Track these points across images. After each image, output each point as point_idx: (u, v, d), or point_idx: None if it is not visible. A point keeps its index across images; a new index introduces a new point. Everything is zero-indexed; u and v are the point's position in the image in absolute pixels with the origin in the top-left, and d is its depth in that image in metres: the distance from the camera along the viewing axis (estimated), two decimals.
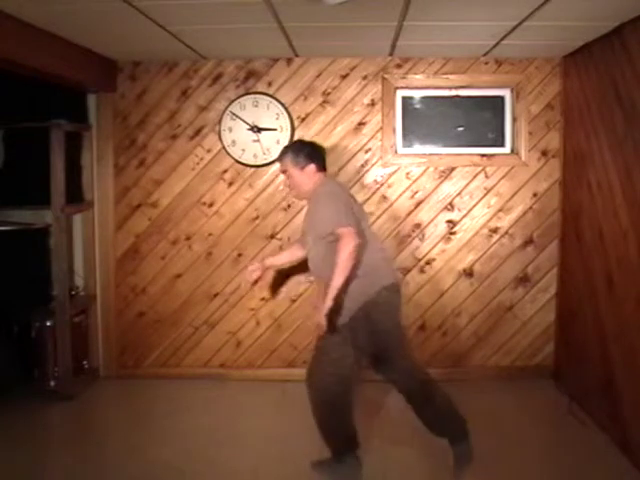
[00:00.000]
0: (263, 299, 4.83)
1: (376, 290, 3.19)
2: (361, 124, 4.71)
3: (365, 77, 4.69)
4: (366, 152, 4.73)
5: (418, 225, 4.76)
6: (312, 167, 3.33)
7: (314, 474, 3.33)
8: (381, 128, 4.70)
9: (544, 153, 4.67)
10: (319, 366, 3.23)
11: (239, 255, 4.81)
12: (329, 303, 3.04)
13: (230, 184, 4.77)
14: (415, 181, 4.74)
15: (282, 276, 4.78)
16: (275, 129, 4.70)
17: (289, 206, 4.76)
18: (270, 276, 4.74)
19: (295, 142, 3.56)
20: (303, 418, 4.08)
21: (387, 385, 3.48)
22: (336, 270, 3.03)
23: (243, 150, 4.72)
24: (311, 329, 4.81)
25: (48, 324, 4.45)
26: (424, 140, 4.79)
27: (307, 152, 3.36)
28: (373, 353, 3.25)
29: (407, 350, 3.46)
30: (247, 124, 4.70)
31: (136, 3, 3.12)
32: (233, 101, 4.70)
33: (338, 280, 3.03)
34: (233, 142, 4.71)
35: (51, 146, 4.31)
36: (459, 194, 4.73)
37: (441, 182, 4.73)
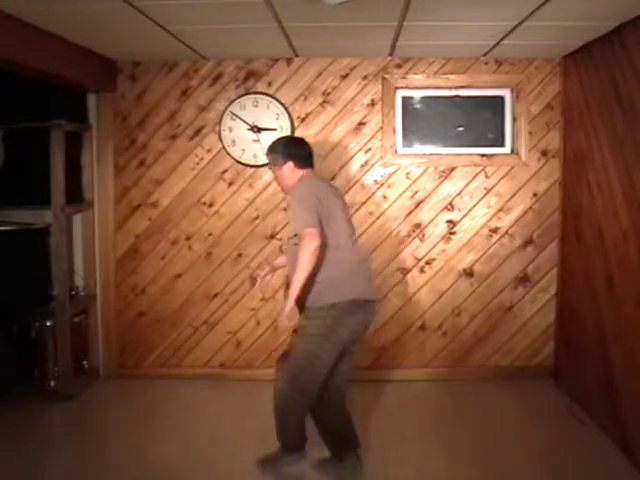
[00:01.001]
0: (263, 299, 4.83)
1: (333, 301, 3.12)
2: (361, 124, 4.71)
3: (365, 77, 4.69)
4: (366, 152, 4.73)
5: (418, 225, 4.76)
6: (290, 164, 3.31)
7: (313, 472, 3.38)
8: (381, 128, 4.70)
9: (544, 153, 4.67)
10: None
11: (239, 255, 4.81)
12: (290, 304, 3.07)
13: (230, 184, 4.77)
14: (415, 181, 4.74)
15: (284, 276, 4.78)
16: (275, 129, 4.70)
17: (289, 206, 4.76)
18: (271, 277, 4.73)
19: (277, 139, 3.54)
20: None
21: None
22: (296, 272, 3.05)
23: (243, 150, 4.72)
24: None
25: (48, 324, 4.45)
26: (424, 140, 4.79)
27: (286, 149, 3.33)
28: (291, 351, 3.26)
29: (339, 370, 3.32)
30: (247, 124, 4.70)
31: (136, 3, 3.12)
32: (233, 101, 4.70)
33: (297, 282, 3.04)
34: (233, 142, 4.71)
35: (51, 146, 4.31)
36: (459, 194, 4.73)
37: (441, 182, 4.73)
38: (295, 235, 3.18)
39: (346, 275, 3.21)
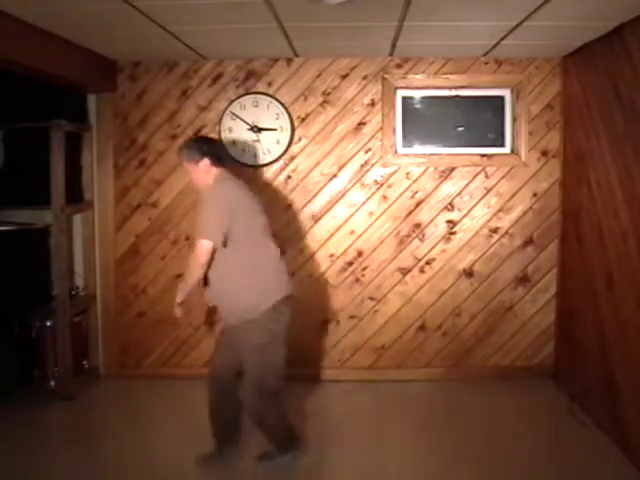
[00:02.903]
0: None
1: (268, 306, 3.24)
2: (361, 124, 4.71)
3: (365, 77, 4.69)
4: (366, 152, 4.73)
5: (418, 225, 4.76)
6: (206, 161, 3.33)
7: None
8: (381, 128, 4.70)
9: (544, 153, 4.67)
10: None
11: None
12: (178, 300, 3.36)
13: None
14: (415, 181, 4.74)
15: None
16: (275, 129, 4.70)
17: (289, 206, 4.77)
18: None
19: (191, 137, 3.61)
20: (302, 418, 4.08)
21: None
22: (184, 279, 3.30)
23: (243, 150, 4.72)
24: (310, 328, 4.83)
25: (48, 324, 4.46)
26: (424, 140, 4.79)
27: (202, 147, 3.37)
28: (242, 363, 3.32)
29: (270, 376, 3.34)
30: (247, 124, 4.70)
31: (136, 3, 3.12)
32: (233, 101, 4.70)
33: (184, 287, 3.31)
34: (233, 142, 4.71)
35: (51, 146, 4.31)
36: (459, 194, 4.73)
37: (441, 182, 4.73)
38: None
39: (270, 278, 3.32)
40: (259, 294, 3.25)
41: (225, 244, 3.19)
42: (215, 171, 3.34)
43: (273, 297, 3.26)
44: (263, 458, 3.49)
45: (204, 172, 3.33)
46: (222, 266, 3.25)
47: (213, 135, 4.72)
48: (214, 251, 3.20)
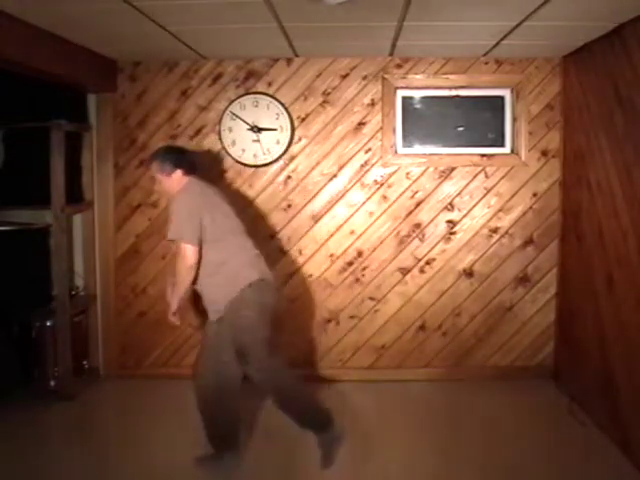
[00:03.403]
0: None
1: (241, 288, 3.28)
2: (361, 124, 4.71)
3: (365, 77, 4.69)
4: (366, 152, 4.73)
5: (418, 225, 4.76)
6: (178, 173, 3.41)
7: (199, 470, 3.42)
8: (381, 128, 4.70)
9: (544, 153, 4.67)
10: (201, 360, 3.45)
11: None
12: (172, 309, 3.44)
13: (230, 184, 4.77)
14: (415, 181, 4.74)
15: (285, 275, 4.79)
16: (275, 129, 4.70)
17: (289, 206, 4.77)
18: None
19: (161, 148, 3.65)
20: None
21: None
22: (176, 285, 3.34)
23: (243, 150, 4.72)
24: (310, 328, 4.83)
25: (48, 324, 4.45)
26: (424, 140, 4.79)
27: (173, 158, 3.44)
28: (236, 349, 3.32)
29: (269, 349, 3.36)
30: (247, 124, 4.70)
31: (136, 3, 3.12)
32: (233, 101, 4.70)
33: (177, 293, 3.36)
34: (233, 142, 4.71)
35: (51, 146, 4.31)
36: (459, 194, 4.73)
37: (441, 182, 4.73)
38: (168, 240, 3.42)
39: (244, 267, 3.35)
40: (234, 280, 3.30)
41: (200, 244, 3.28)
42: (186, 179, 3.42)
43: (248, 278, 3.30)
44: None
45: (176, 182, 3.42)
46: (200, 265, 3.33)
47: (213, 135, 4.73)
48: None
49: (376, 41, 4.15)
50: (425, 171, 4.73)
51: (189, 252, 3.23)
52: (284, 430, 3.56)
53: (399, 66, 4.68)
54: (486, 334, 4.80)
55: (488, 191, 4.73)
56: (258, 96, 4.70)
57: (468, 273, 4.77)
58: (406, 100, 4.76)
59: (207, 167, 4.50)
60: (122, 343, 4.92)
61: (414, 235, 4.77)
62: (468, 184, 4.72)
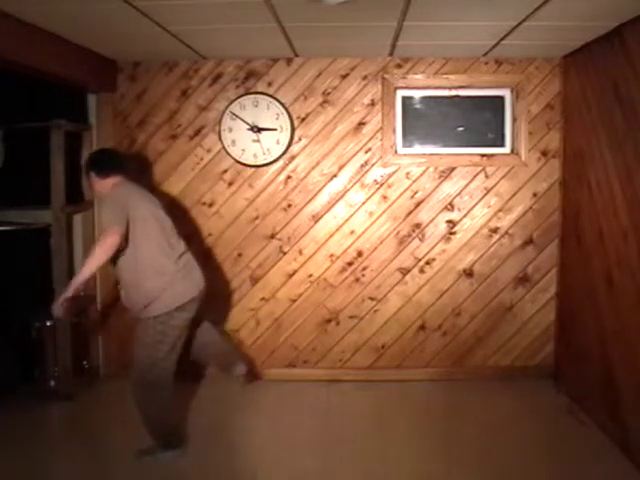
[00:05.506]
0: (263, 299, 4.83)
1: (176, 306, 3.42)
2: (361, 124, 4.72)
3: (365, 77, 4.69)
4: (366, 152, 4.73)
5: (418, 225, 4.76)
6: (109, 180, 3.51)
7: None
8: (381, 128, 4.70)
9: (544, 153, 4.67)
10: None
11: (239, 255, 4.81)
12: (68, 293, 3.28)
13: (230, 184, 4.77)
14: (415, 181, 4.74)
15: (285, 275, 4.79)
16: (275, 129, 4.70)
17: (289, 206, 4.77)
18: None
19: (96, 154, 3.77)
20: (302, 417, 4.09)
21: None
22: (88, 259, 3.26)
23: (243, 150, 4.72)
24: (310, 328, 4.83)
25: (48, 324, 4.45)
26: (424, 140, 4.79)
27: (109, 164, 3.56)
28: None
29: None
30: (247, 124, 4.70)
31: (136, 3, 3.12)
32: (233, 101, 4.70)
33: (87, 270, 3.26)
34: (233, 142, 4.72)
35: (51, 146, 4.31)
36: (459, 194, 4.73)
37: (441, 182, 4.73)
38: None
39: (167, 284, 3.41)
40: (153, 296, 3.39)
41: (125, 241, 3.31)
42: (115, 181, 3.50)
43: (167, 303, 3.39)
44: (144, 453, 3.54)
45: (108, 185, 3.50)
46: (123, 260, 3.40)
47: (213, 135, 4.73)
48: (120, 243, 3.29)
49: (376, 41, 4.15)
50: (425, 171, 4.73)
51: (114, 232, 3.21)
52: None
53: (399, 66, 4.68)
54: (486, 334, 4.80)
55: (488, 191, 4.73)
56: (258, 96, 4.70)
57: (468, 273, 4.77)
58: (406, 100, 4.76)
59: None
60: (122, 343, 4.91)
61: (414, 235, 4.77)
62: (468, 184, 4.72)
